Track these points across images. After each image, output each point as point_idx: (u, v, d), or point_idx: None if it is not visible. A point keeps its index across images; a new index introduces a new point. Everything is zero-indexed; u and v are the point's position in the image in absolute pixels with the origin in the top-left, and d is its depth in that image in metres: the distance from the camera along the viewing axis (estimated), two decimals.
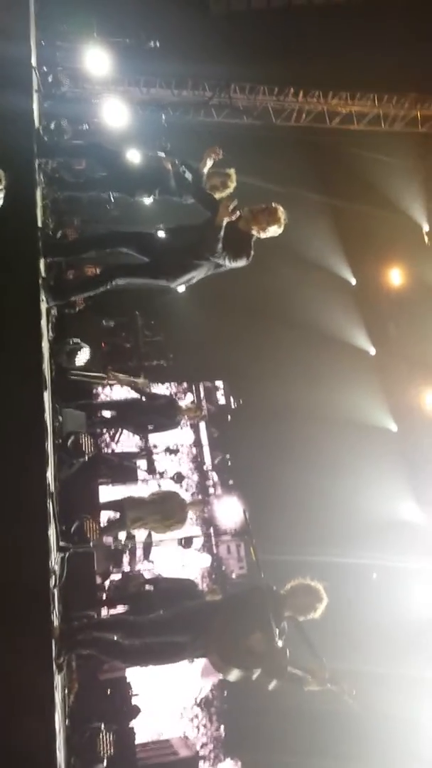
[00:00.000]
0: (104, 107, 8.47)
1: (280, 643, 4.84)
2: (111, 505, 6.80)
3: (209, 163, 5.87)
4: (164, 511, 6.57)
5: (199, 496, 10.84)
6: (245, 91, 13.23)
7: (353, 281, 16.61)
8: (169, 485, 10.54)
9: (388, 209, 16.42)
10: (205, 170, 5.92)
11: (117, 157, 6.98)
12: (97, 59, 9.09)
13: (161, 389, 11.73)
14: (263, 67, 12.72)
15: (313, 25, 14.09)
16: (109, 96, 9.46)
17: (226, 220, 5.03)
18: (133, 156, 7.06)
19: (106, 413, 8.24)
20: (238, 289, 13.53)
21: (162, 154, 6.78)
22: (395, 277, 17.38)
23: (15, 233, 5.66)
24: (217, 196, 6.42)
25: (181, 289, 6.41)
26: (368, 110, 14.98)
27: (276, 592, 5.08)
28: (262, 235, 5.20)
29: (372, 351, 16.69)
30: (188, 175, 6.28)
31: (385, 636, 12.24)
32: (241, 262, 5.33)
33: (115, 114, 8.49)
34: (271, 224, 5.14)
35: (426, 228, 17.24)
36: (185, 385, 12.52)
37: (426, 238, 17.41)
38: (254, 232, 5.18)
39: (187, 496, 10.48)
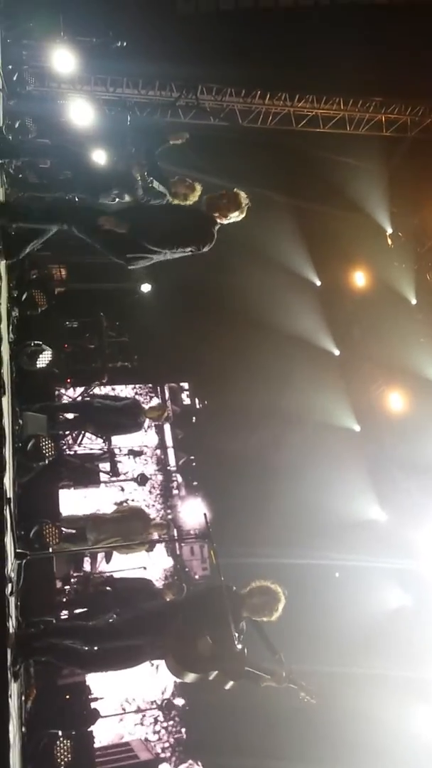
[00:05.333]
0: (70, 106, 8.37)
1: (238, 644, 4.89)
2: (73, 522, 6.74)
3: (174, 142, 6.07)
4: (126, 531, 6.54)
5: (162, 512, 10.79)
6: (212, 92, 13.23)
7: (318, 283, 16.77)
8: (132, 487, 10.52)
9: (353, 212, 16.61)
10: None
11: (82, 158, 6.91)
12: (63, 58, 8.99)
13: (126, 391, 11.69)
14: (230, 68, 12.73)
15: (280, 28, 14.14)
16: (75, 95, 9.37)
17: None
18: (99, 157, 6.99)
19: (68, 415, 8.19)
20: (203, 291, 13.57)
21: (133, 163, 6.70)
22: (359, 279, 17.59)
23: None
24: (175, 203, 6.45)
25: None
26: (334, 113, 15.11)
27: (235, 593, 5.13)
28: (224, 221, 5.12)
29: (336, 352, 16.87)
30: (155, 185, 6.29)
31: (348, 635, 12.39)
32: (207, 247, 5.23)
33: (80, 113, 8.40)
34: (232, 210, 5.07)
35: (389, 231, 17.49)
36: (150, 386, 12.50)
37: (389, 241, 17.67)
38: (216, 218, 5.11)
39: (152, 498, 10.49)
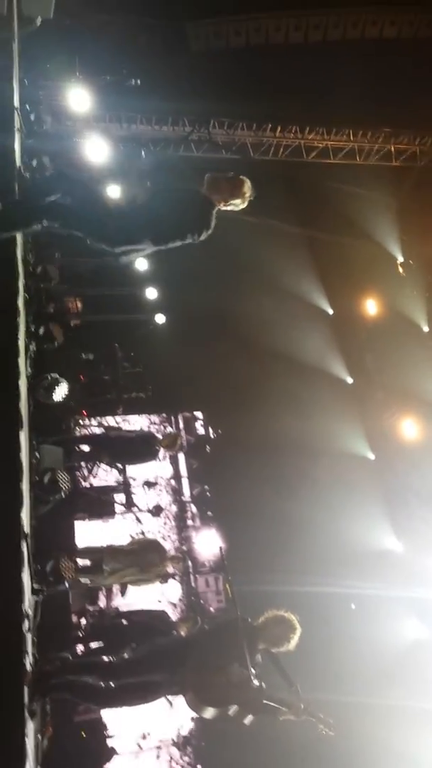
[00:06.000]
0: (86, 143, 8.57)
1: (255, 677, 4.83)
2: (89, 553, 6.72)
3: None
4: (142, 563, 6.50)
5: (177, 543, 10.72)
6: (224, 126, 13.49)
7: (330, 311, 16.84)
8: (147, 518, 10.49)
9: (364, 240, 16.76)
10: None
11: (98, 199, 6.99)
12: (78, 97, 9.23)
13: (140, 420, 11.73)
14: (242, 103, 12.99)
15: (290, 63, 14.46)
16: (90, 132, 9.60)
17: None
18: (114, 192, 7.12)
19: (84, 447, 8.22)
20: (216, 320, 13.67)
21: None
22: (371, 307, 17.65)
23: None
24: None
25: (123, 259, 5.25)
26: (344, 144, 15.34)
27: (250, 624, 5.07)
28: (223, 207, 4.74)
29: (349, 380, 16.86)
30: None
31: (365, 664, 12.19)
32: (205, 235, 4.82)
33: (96, 150, 8.60)
34: (235, 197, 4.70)
35: (400, 259, 17.58)
36: (164, 415, 12.54)
37: (400, 269, 17.76)
38: (215, 202, 4.72)
39: (166, 528, 10.45)
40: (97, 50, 10.28)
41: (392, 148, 15.84)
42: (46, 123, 8.68)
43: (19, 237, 6.87)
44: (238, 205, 4.72)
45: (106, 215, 4.81)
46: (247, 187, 4.72)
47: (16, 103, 7.26)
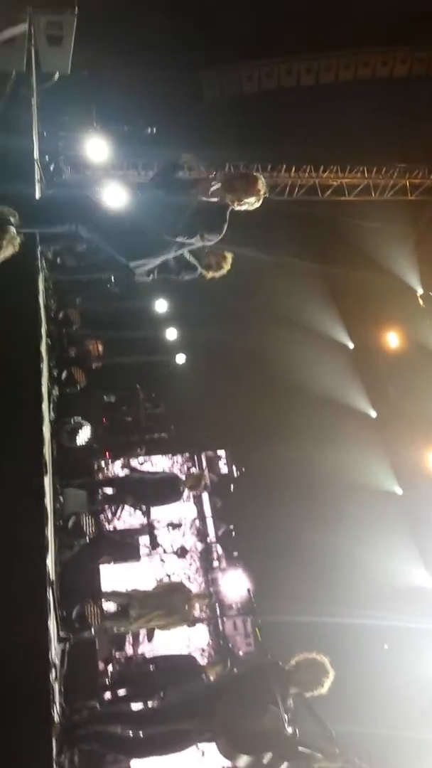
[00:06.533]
0: (104, 191, 8.76)
1: (288, 722, 4.70)
2: (115, 598, 6.67)
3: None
4: (168, 606, 6.43)
5: (203, 585, 10.59)
6: (239, 169, 13.71)
7: (351, 345, 16.83)
8: (172, 560, 10.40)
9: (382, 274, 16.82)
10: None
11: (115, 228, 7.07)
12: (96, 146, 9.49)
13: (163, 461, 11.74)
14: (256, 146, 13.25)
15: (303, 105, 14.79)
16: (108, 180, 9.85)
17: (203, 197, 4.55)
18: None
19: (108, 490, 8.22)
20: (237, 358, 13.74)
21: None
22: (392, 339, 17.63)
23: (17, 320, 5.82)
24: (210, 275, 6.60)
25: (140, 272, 5.35)
26: (358, 182, 15.53)
27: (281, 668, 4.96)
28: (237, 207, 4.63)
29: (373, 414, 16.73)
30: (188, 256, 6.44)
31: (398, 698, 11.88)
32: (213, 238, 4.75)
33: (114, 197, 8.77)
34: (249, 194, 4.59)
35: (420, 291, 17.59)
36: (187, 455, 12.52)
37: (420, 301, 17.75)
38: (229, 203, 4.60)
39: (192, 571, 10.34)
40: (113, 101, 10.60)
41: (407, 183, 15.99)
42: (65, 173, 8.92)
43: (41, 284, 7.02)
44: (252, 203, 4.62)
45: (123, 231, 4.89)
46: (261, 183, 4.62)
47: (36, 155, 7.50)
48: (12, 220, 3.62)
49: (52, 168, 8.57)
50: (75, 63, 8.08)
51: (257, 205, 4.65)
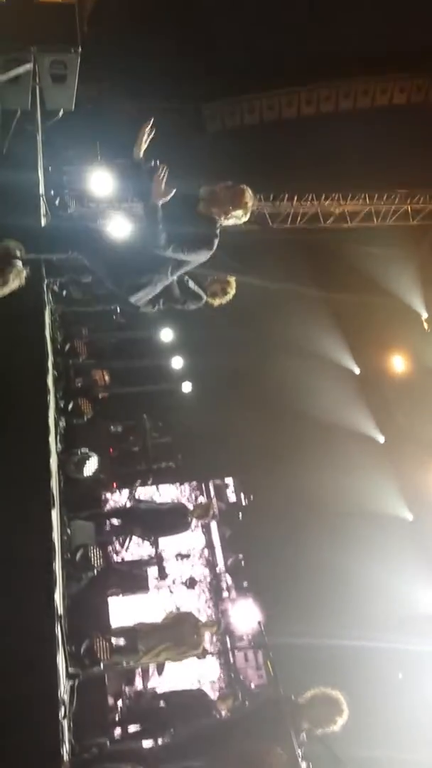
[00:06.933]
0: (109, 224, 8.87)
1: (301, 758, 4.60)
2: (122, 633, 6.59)
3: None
4: (177, 636, 6.35)
5: (213, 616, 10.44)
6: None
7: (357, 370, 16.82)
8: (181, 591, 10.29)
9: (387, 299, 16.88)
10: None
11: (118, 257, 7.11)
12: (100, 180, 9.61)
13: (171, 490, 11.68)
14: (258, 176, 13.40)
15: (303, 134, 14.99)
16: (113, 213, 9.96)
17: (161, 201, 4.33)
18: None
19: (115, 521, 8.18)
20: (243, 386, 13.74)
21: None
22: (398, 363, 17.62)
23: (24, 353, 5.86)
24: (216, 302, 6.63)
25: (142, 304, 5.19)
26: (360, 209, 15.66)
27: (294, 703, 4.86)
28: (224, 221, 4.42)
29: (381, 439, 16.65)
30: (192, 285, 6.47)
31: (414, 722, 11.66)
32: (203, 254, 4.51)
33: (119, 229, 8.87)
34: (236, 207, 4.38)
35: (425, 315, 17.62)
36: (195, 483, 12.46)
37: (425, 325, 17.77)
38: (215, 216, 4.42)
39: (201, 602, 10.23)
40: (116, 134, 10.75)
41: (409, 208, 16.12)
42: (70, 206, 9.04)
43: (47, 317, 7.08)
44: (240, 216, 4.45)
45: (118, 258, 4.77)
46: (249, 195, 4.43)
47: (41, 189, 7.61)
48: (18, 253, 3.66)
49: (57, 202, 8.68)
50: (79, 98, 8.23)
51: (245, 218, 4.49)
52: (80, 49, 7.47)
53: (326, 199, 15.05)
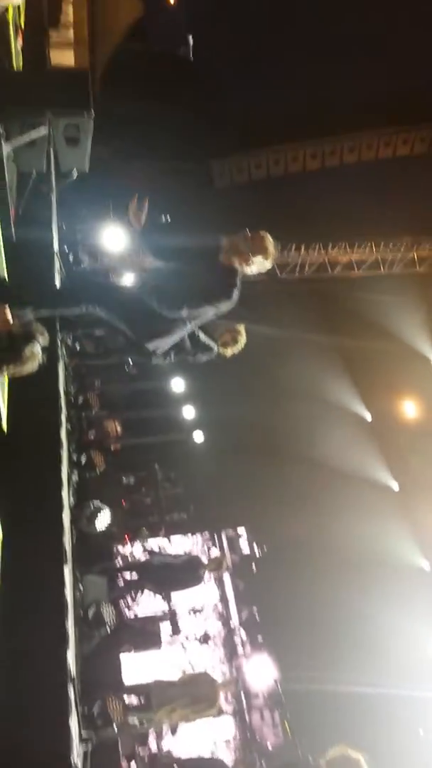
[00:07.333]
0: (121, 277, 9.06)
1: None
2: (137, 690, 6.43)
3: None
4: (192, 696, 6.18)
5: (227, 673, 10.17)
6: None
7: (369, 417, 16.77)
8: (194, 647, 10.06)
9: (396, 345, 16.95)
10: None
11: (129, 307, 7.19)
12: (113, 236, 9.85)
13: (183, 541, 11.53)
14: (265, 227, 13.66)
15: (310, 188, 15.37)
16: (124, 266, 10.17)
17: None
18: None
19: (128, 575, 8.08)
20: (255, 434, 13.73)
21: None
22: (409, 409, 17.55)
23: (39, 409, 5.91)
24: (229, 352, 6.66)
25: (159, 352, 5.07)
26: (367, 257, 15.90)
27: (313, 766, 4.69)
28: (247, 270, 4.36)
29: (395, 486, 16.48)
30: (202, 336, 6.52)
31: None
32: (224, 305, 4.45)
33: (129, 281, 9.05)
34: (256, 253, 4.28)
35: None
36: (207, 534, 12.30)
37: None
38: (237, 266, 4.36)
39: (215, 658, 10.02)
40: (128, 191, 11.05)
41: (415, 256, 16.35)
42: (83, 262, 9.24)
43: (61, 371, 7.16)
44: (263, 263, 4.35)
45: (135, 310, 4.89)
46: (269, 241, 4.34)
47: (56, 247, 7.80)
48: (41, 339, 3.53)
49: (71, 257, 8.88)
50: (91, 158, 8.47)
51: (268, 265, 4.38)
52: (93, 113, 7.71)
53: (333, 248, 15.31)
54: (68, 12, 12.60)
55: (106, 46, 12.66)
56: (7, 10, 6.81)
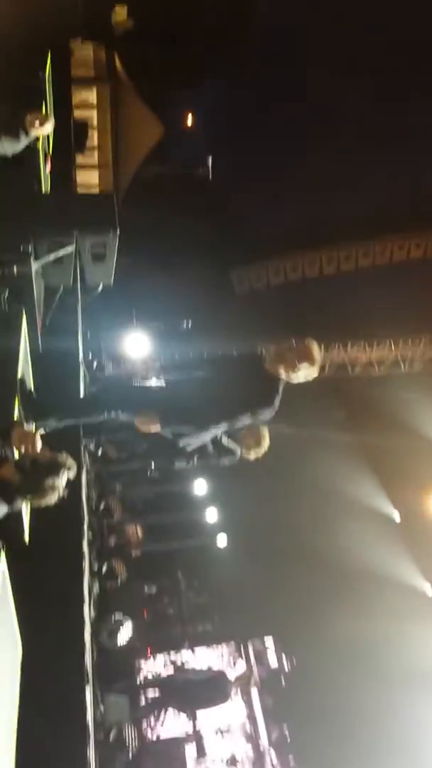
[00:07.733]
0: (144, 383, 9.20)
1: None
2: None
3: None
4: None
5: None
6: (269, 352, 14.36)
7: (397, 518, 16.37)
8: None
9: (421, 441, 16.75)
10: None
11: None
12: (136, 343, 10.12)
13: (208, 653, 11.00)
14: (285, 331, 13.99)
15: (326, 291, 15.82)
16: (147, 372, 10.39)
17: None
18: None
19: (150, 692, 7.74)
20: (280, 536, 13.42)
21: None
22: None
23: (61, 520, 5.88)
24: (252, 455, 6.63)
25: (191, 448, 5.10)
26: (386, 355, 16.02)
27: None
28: (293, 378, 4.27)
29: (428, 588, 15.81)
30: (225, 441, 6.53)
31: None
32: (267, 413, 4.43)
33: (155, 384, 9.19)
34: (303, 361, 4.19)
35: None
36: (233, 645, 11.73)
37: None
38: (282, 375, 4.29)
39: None
40: (151, 299, 11.47)
41: None
42: (107, 368, 9.46)
43: (83, 478, 7.19)
44: (309, 370, 4.27)
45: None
46: (315, 348, 4.27)
47: (81, 357, 8.02)
48: (69, 472, 3.27)
49: (95, 364, 9.10)
50: (116, 270, 8.85)
51: (314, 373, 4.30)
52: (119, 231, 8.13)
53: (353, 347, 15.48)
54: (93, 137, 13.62)
55: (128, 167, 13.55)
56: (37, 139, 7.33)
